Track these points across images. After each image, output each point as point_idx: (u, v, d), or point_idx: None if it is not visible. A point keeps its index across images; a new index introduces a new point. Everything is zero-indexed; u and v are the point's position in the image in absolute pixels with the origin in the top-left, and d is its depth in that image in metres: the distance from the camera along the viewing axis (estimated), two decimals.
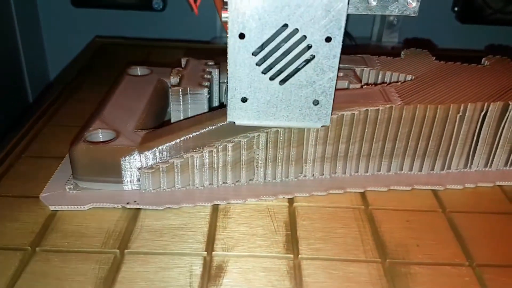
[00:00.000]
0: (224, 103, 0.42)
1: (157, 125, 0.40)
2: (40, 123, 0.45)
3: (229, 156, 0.35)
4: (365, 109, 0.36)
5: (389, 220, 0.34)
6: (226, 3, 0.29)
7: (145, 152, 0.34)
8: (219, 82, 0.42)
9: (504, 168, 0.40)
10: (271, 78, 0.31)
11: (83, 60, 0.62)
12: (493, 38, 0.78)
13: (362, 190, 0.37)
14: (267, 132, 0.35)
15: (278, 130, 0.35)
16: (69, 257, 0.30)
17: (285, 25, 0.29)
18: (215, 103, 0.42)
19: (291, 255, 0.31)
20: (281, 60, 0.31)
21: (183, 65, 0.42)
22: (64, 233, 0.32)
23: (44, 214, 0.33)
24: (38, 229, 0.32)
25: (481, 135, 0.38)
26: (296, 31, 0.30)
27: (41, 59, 0.78)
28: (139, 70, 0.46)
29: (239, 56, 0.30)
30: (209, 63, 0.42)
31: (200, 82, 0.38)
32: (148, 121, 0.39)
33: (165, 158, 0.35)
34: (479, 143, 0.38)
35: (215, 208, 0.35)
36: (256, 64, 0.31)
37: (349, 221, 0.34)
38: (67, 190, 0.35)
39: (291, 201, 0.36)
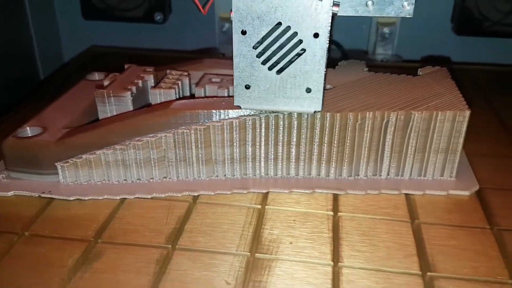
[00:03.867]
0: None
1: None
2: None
3: (140, 154, 0.38)
4: (265, 115, 0.37)
5: (277, 219, 0.36)
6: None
7: (62, 147, 0.38)
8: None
9: (418, 177, 0.40)
10: (270, 68, 0.36)
11: (73, 66, 0.68)
12: (495, 50, 0.76)
13: (265, 191, 0.39)
14: (173, 133, 0.38)
15: (184, 132, 0.38)
16: None
17: (279, 23, 0.34)
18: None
19: (169, 246, 0.33)
20: (277, 52, 0.35)
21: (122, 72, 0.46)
22: None
23: None
24: None
25: (386, 143, 0.38)
26: (288, 28, 0.34)
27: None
28: (96, 76, 0.50)
29: (242, 49, 0.35)
30: (147, 70, 0.45)
31: (126, 86, 0.42)
32: (82, 121, 0.43)
33: (80, 153, 0.38)
34: (385, 151, 0.39)
35: (122, 202, 0.38)
36: (257, 56, 0.36)
37: (239, 218, 0.36)
38: (0, 178, 0.40)
39: (195, 198, 0.38)
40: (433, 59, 0.76)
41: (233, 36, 0.35)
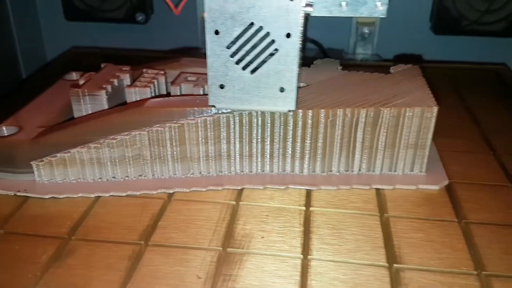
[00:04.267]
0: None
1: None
2: None
3: (115, 152, 0.39)
4: (239, 112, 0.38)
5: (250, 215, 0.36)
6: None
7: (37, 146, 0.38)
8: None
9: (389, 173, 0.41)
10: (243, 68, 0.36)
11: (55, 66, 0.68)
12: (471, 49, 0.77)
13: (240, 188, 0.39)
14: (148, 131, 0.38)
15: (158, 130, 0.38)
16: None
17: (252, 23, 0.35)
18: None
19: (142, 242, 0.33)
20: (251, 52, 0.36)
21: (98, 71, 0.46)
22: None
23: None
24: None
25: (357, 139, 0.39)
26: (261, 28, 0.35)
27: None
28: (74, 75, 0.51)
29: (215, 49, 0.36)
30: (123, 68, 0.46)
31: (101, 85, 0.42)
32: (58, 120, 0.43)
33: (55, 152, 0.39)
34: (356, 147, 0.39)
35: (97, 199, 0.38)
36: (230, 56, 0.36)
37: (213, 214, 0.36)
38: None
39: (170, 195, 0.39)
40: (412, 58, 0.77)
41: (206, 36, 0.36)
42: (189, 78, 0.44)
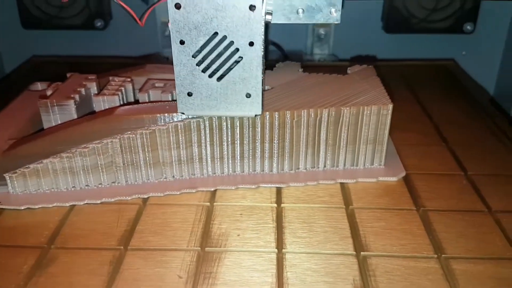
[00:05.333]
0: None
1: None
2: None
3: (87, 160, 0.40)
4: (209, 117, 0.40)
5: (225, 214, 0.38)
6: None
7: (9, 158, 0.39)
8: None
9: (352, 167, 0.43)
10: (210, 76, 0.38)
11: (15, 77, 0.67)
12: (421, 46, 0.82)
13: (213, 189, 0.41)
14: (119, 138, 0.39)
15: (130, 137, 0.39)
16: None
17: (216, 33, 0.36)
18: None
19: (121, 247, 0.35)
20: (216, 61, 0.37)
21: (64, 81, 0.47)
22: None
23: None
24: None
25: (321, 138, 0.41)
26: (225, 37, 0.36)
27: None
28: (39, 85, 0.51)
29: (181, 58, 0.37)
30: (89, 77, 0.46)
31: (69, 94, 0.43)
32: (27, 131, 0.43)
33: (27, 163, 0.39)
34: (321, 145, 0.42)
35: (72, 208, 0.39)
36: (196, 65, 0.37)
37: (189, 215, 0.38)
38: None
39: (145, 200, 0.40)
40: (367, 57, 0.81)
41: (172, 46, 0.37)
42: (157, 85, 0.45)
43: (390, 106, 0.41)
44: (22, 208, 0.38)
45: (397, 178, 0.42)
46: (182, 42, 0.37)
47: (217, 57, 0.37)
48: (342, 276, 0.32)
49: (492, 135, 0.50)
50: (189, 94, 0.39)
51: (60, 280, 0.32)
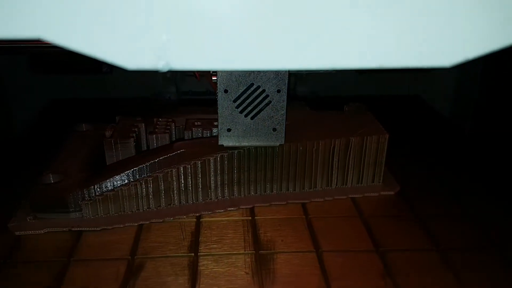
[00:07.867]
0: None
1: (96, 168, 0.52)
2: None
3: (150, 187, 0.48)
4: (248, 147, 0.50)
5: (266, 226, 0.48)
6: (215, 72, 0.47)
7: (85, 189, 0.47)
8: (146, 133, 0.55)
9: (357, 184, 0.54)
10: (245, 116, 0.48)
11: (40, 120, 0.74)
12: (388, 83, 0.95)
13: (250, 206, 0.51)
14: (177, 168, 0.49)
15: (186, 166, 0.49)
16: (28, 266, 0.41)
17: (252, 84, 0.47)
18: (144, 147, 0.56)
19: (193, 254, 0.43)
20: (251, 104, 0.48)
21: (116, 122, 0.55)
22: (28, 249, 0.43)
23: (12, 238, 0.45)
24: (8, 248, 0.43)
25: (334, 162, 0.52)
26: (259, 87, 0.47)
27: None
28: (84, 126, 0.59)
29: (224, 103, 0.47)
30: (137, 119, 0.55)
31: (127, 134, 0.51)
32: (89, 166, 0.51)
33: (100, 192, 0.47)
34: (333, 168, 0.53)
35: (140, 227, 0.47)
36: (236, 107, 0.47)
37: (238, 228, 0.47)
38: (28, 220, 0.47)
39: (198, 217, 0.49)
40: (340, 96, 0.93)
41: (218, 93, 0.47)
42: (196, 123, 0.55)
43: (387, 136, 0.52)
44: (99, 229, 0.46)
45: (394, 192, 0.54)
46: (225, 91, 0.47)
47: (252, 101, 0.48)
48: (368, 271, 0.42)
49: None
50: (229, 130, 0.49)
51: (153, 281, 0.40)
